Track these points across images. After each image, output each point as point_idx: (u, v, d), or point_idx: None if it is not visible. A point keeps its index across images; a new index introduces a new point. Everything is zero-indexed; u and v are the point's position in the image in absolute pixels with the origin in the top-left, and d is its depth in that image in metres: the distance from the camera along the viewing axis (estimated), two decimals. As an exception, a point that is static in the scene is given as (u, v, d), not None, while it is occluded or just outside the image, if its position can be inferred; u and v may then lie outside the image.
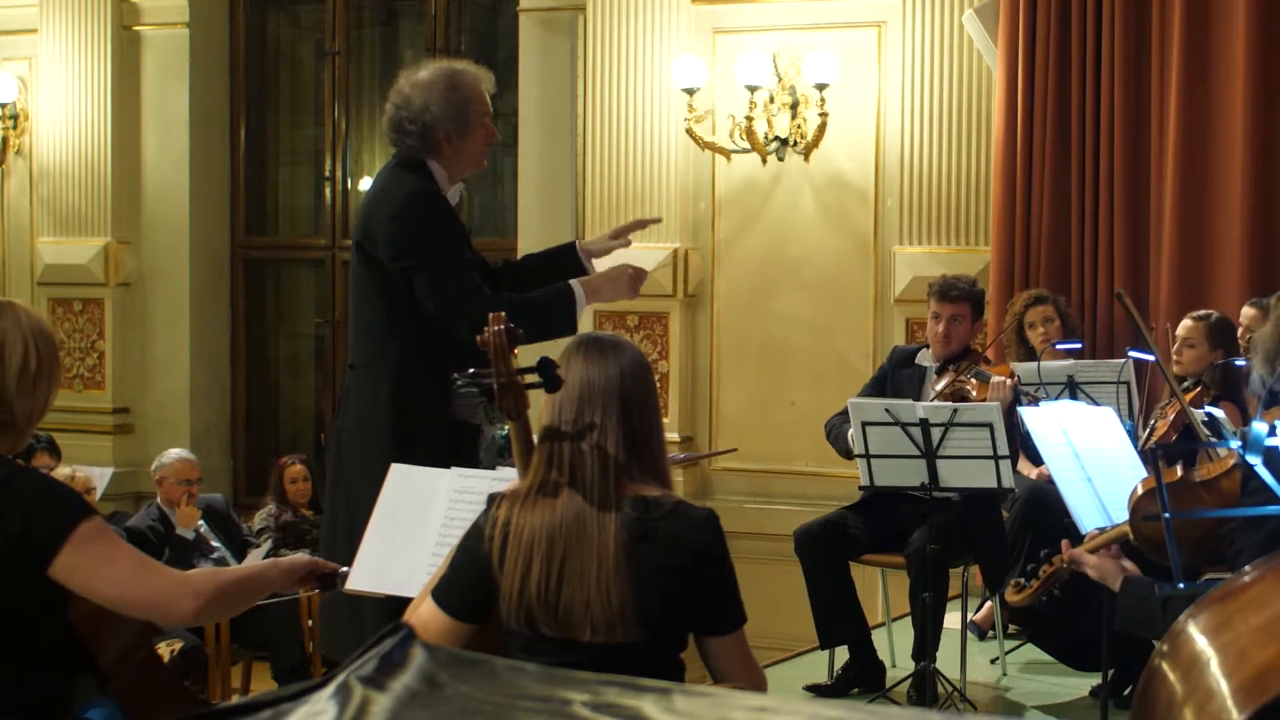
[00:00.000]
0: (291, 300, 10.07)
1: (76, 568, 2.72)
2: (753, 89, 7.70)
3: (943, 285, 6.02)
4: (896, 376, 6.08)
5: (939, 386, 5.88)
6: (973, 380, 5.81)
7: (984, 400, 5.63)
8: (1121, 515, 4.03)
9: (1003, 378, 5.72)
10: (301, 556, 3.12)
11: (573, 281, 4.34)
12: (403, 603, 3.29)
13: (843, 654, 5.79)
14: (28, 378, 2.85)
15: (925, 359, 6.06)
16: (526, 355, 3.29)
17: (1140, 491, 3.71)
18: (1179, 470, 3.62)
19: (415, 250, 4.23)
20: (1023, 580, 3.96)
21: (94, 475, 7.36)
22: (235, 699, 4.09)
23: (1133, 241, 7.13)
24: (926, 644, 5.39)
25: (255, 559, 7.64)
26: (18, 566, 2.72)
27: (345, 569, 3.22)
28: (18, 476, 2.78)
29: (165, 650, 6.27)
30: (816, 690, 5.69)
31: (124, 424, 9.45)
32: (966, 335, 6.02)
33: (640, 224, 4.74)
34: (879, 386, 6.09)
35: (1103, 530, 4.12)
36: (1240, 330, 6.29)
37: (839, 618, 5.70)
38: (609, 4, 8.06)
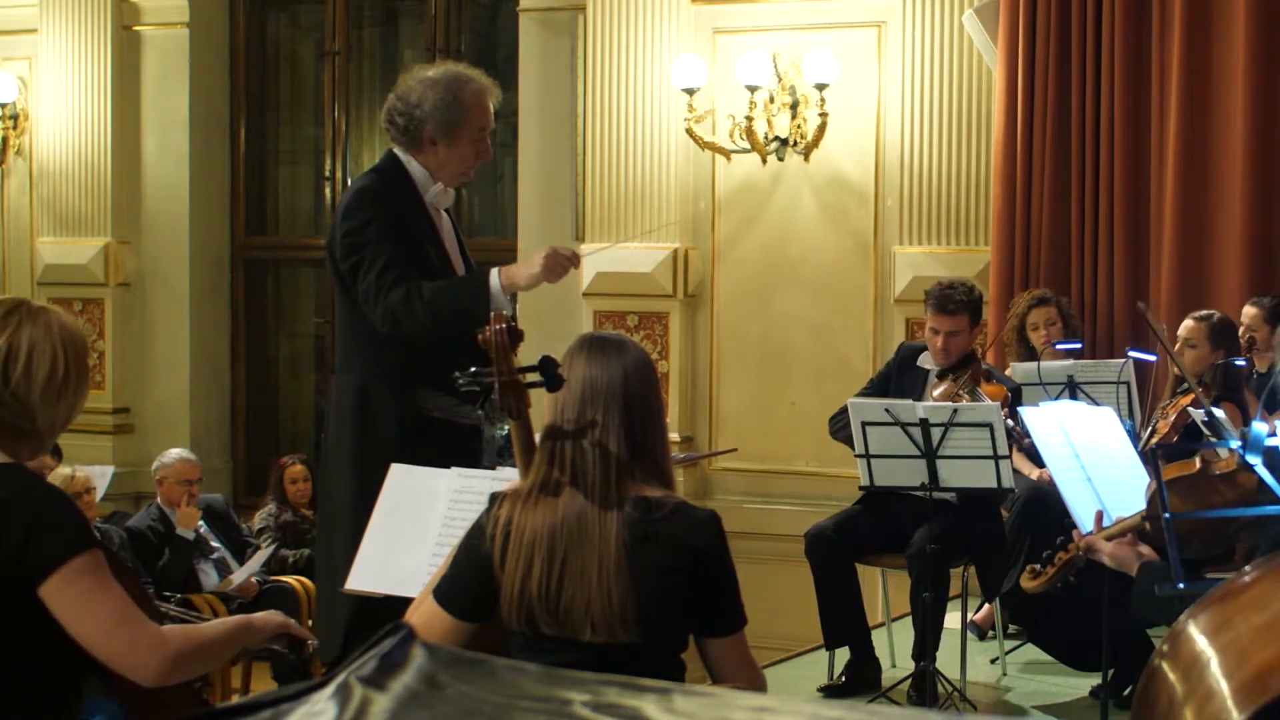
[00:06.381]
0: (291, 300, 10.07)
1: (61, 597, 2.70)
2: (753, 89, 7.70)
3: (939, 298, 5.88)
4: (901, 376, 6.06)
5: (935, 394, 5.87)
6: (966, 398, 5.78)
7: None
8: (1121, 515, 4.03)
9: (995, 403, 5.61)
10: (274, 616, 3.02)
11: (493, 268, 4.30)
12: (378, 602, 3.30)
13: (843, 654, 5.79)
14: (53, 388, 2.82)
15: (927, 361, 6.05)
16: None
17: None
18: (1198, 462, 3.61)
19: (352, 249, 4.24)
20: (1038, 566, 3.96)
21: (94, 475, 7.35)
22: (235, 699, 4.09)
23: (1133, 241, 7.13)
24: (926, 644, 5.39)
25: (260, 559, 7.65)
26: (13, 579, 2.71)
27: (313, 641, 3.09)
28: (30, 490, 2.76)
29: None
30: (827, 691, 5.68)
31: (124, 424, 9.45)
32: (965, 346, 5.95)
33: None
34: (884, 383, 6.07)
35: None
36: (1241, 330, 6.29)
37: (845, 619, 5.70)
38: (609, 4, 8.06)
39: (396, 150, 4.38)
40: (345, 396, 4.33)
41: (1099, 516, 3.78)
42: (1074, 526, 4.58)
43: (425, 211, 4.35)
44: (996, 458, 5.28)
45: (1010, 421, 5.43)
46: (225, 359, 9.72)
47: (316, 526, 4.77)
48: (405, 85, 4.36)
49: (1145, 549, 3.55)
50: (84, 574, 2.71)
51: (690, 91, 7.79)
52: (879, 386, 6.06)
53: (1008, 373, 6.31)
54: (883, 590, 6.25)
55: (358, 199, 4.30)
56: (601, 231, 8.13)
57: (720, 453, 7.77)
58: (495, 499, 2.95)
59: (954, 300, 5.87)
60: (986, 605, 6.23)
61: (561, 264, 4.24)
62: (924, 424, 5.30)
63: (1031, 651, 6.07)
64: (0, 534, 2.70)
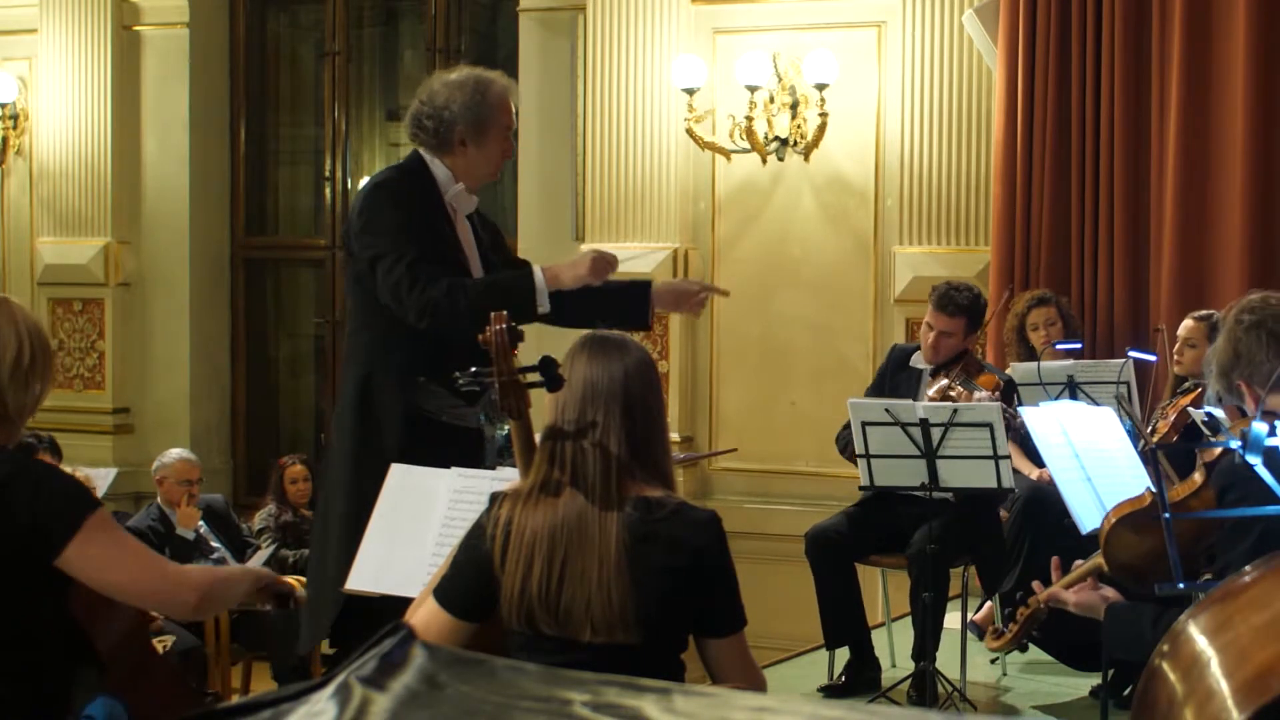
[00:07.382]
0: (291, 300, 10.07)
1: (86, 557, 2.77)
2: (753, 89, 7.70)
3: (941, 296, 5.93)
4: (895, 378, 6.07)
5: (930, 392, 5.87)
6: (960, 390, 5.79)
7: None
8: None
9: (987, 393, 5.63)
10: (265, 570, 3.13)
11: (535, 265, 4.35)
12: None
13: (843, 654, 5.79)
14: (20, 371, 2.89)
15: (919, 361, 6.05)
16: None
17: (1111, 522, 3.68)
18: (1148, 496, 3.62)
19: (373, 239, 4.24)
20: (1000, 626, 3.96)
21: (95, 475, 7.35)
22: (235, 699, 4.09)
23: (1133, 241, 7.13)
24: (926, 644, 5.39)
25: (259, 560, 7.65)
26: (25, 557, 2.75)
27: (300, 592, 3.17)
28: (25, 468, 2.81)
29: (158, 646, 6.27)
30: (827, 691, 5.68)
31: (124, 424, 9.45)
32: (955, 348, 5.95)
33: (712, 289, 4.80)
34: (879, 390, 6.08)
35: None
36: (1241, 330, 6.28)
37: (845, 619, 5.70)
38: (609, 4, 8.06)
39: (422, 151, 4.39)
40: (348, 387, 4.34)
41: (1056, 564, 3.76)
42: (1074, 526, 4.59)
43: (445, 211, 4.36)
44: (996, 458, 5.28)
45: (1004, 406, 5.46)
46: (225, 359, 9.72)
47: (313, 519, 4.78)
48: (428, 90, 4.38)
49: (1109, 591, 3.54)
50: (99, 530, 2.79)
51: (690, 91, 7.79)
52: (875, 393, 6.06)
53: (1008, 373, 6.31)
54: (883, 590, 6.25)
55: (377, 191, 4.31)
56: (601, 231, 8.13)
57: (720, 453, 7.77)
58: (495, 499, 2.95)
59: (954, 303, 5.90)
60: (987, 605, 6.23)
61: (606, 267, 4.33)
62: (924, 424, 5.31)
63: (1031, 651, 6.07)
64: (8, 514, 2.73)
